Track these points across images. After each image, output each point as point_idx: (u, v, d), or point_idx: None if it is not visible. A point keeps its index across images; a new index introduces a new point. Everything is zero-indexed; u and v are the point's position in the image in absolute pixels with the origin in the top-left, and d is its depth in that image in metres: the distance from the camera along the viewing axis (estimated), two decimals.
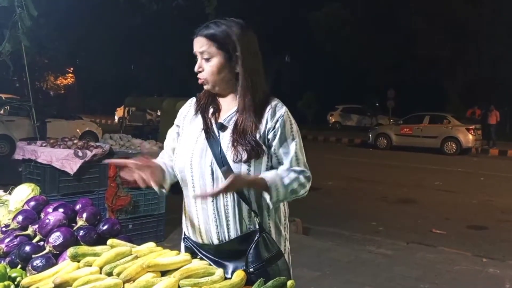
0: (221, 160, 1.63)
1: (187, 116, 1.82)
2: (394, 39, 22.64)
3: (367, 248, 5.44)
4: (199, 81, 1.73)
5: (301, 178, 1.68)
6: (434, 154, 16.38)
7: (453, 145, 16.85)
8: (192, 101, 1.85)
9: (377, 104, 27.68)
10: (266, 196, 1.64)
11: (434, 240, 6.03)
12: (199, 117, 1.76)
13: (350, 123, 26.90)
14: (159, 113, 14.61)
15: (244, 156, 1.62)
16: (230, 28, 1.68)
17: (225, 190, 1.56)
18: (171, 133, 1.88)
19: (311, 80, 27.52)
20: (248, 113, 1.67)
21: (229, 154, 1.64)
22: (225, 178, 1.56)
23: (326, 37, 25.04)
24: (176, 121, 1.87)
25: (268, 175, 1.63)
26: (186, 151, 1.72)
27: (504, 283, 4.40)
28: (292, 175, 1.67)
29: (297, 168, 1.69)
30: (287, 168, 1.68)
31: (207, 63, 1.69)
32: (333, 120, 27.51)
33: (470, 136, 16.72)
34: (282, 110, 1.70)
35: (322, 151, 16.13)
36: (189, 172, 1.70)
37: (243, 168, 1.63)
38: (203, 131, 1.71)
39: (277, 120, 1.68)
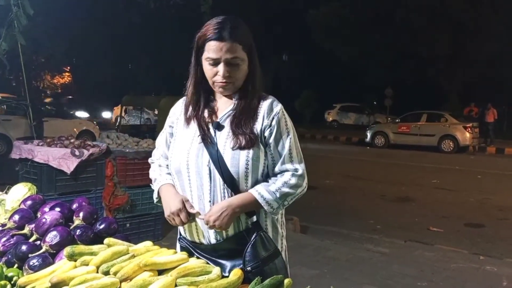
0: (217, 161, 1.62)
1: (181, 117, 1.78)
2: (392, 37, 22.65)
3: (365, 246, 5.45)
4: (220, 85, 1.65)
5: (292, 180, 1.68)
6: (432, 152, 16.42)
7: (451, 143, 16.90)
8: (184, 101, 1.81)
9: (375, 103, 27.72)
10: (263, 210, 1.67)
11: (432, 238, 6.04)
12: (194, 120, 1.72)
13: (347, 122, 26.94)
14: (156, 112, 14.60)
15: (243, 142, 1.61)
16: (246, 28, 1.66)
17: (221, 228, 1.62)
18: (164, 134, 1.85)
19: (309, 78, 27.56)
20: (247, 110, 1.66)
21: (228, 144, 1.63)
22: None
23: (324, 36, 25.03)
24: (168, 122, 1.83)
25: (254, 191, 1.64)
26: (182, 150, 1.70)
27: (501, 281, 4.41)
28: (279, 181, 1.67)
29: (289, 167, 1.69)
30: (278, 169, 1.68)
31: (236, 67, 1.63)
32: (330, 118, 27.55)
33: (468, 134, 16.77)
34: (277, 107, 1.69)
35: (320, 150, 16.14)
36: (185, 172, 1.69)
37: (242, 155, 1.62)
38: (198, 135, 1.69)
39: (273, 118, 1.67)
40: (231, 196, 1.64)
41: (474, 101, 20.39)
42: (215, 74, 1.63)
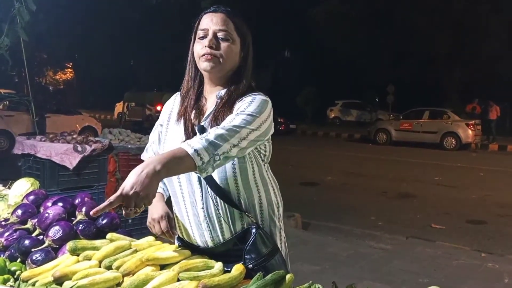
0: None
1: (172, 115, 1.72)
2: (394, 34, 22.60)
3: (366, 242, 5.46)
4: (207, 57, 1.55)
5: (235, 120, 1.47)
6: (434, 149, 16.38)
7: (453, 140, 16.86)
8: (176, 98, 1.75)
9: (377, 100, 27.65)
10: (257, 206, 1.63)
11: (433, 234, 6.05)
12: (182, 121, 1.66)
13: (349, 118, 26.86)
14: (158, 108, 14.61)
15: None
16: (244, 21, 1.64)
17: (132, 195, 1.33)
18: (156, 132, 1.80)
19: (310, 75, 27.48)
20: (230, 104, 1.58)
21: None
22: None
23: (325, 32, 24.98)
24: (160, 120, 1.78)
25: (185, 144, 1.38)
26: None
27: (502, 278, 4.41)
28: (218, 127, 1.46)
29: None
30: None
31: (225, 42, 1.56)
32: (332, 115, 27.47)
33: (470, 132, 16.72)
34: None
35: (322, 147, 16.13)
36: (176, 178, 1.65)
37: (228, 165, 1.56)
38: (184, 139, 1.61)
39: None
40: (223, 202, 1.60)
41: (476, 98, 20.34)
42: (203, 48, 1.55)
